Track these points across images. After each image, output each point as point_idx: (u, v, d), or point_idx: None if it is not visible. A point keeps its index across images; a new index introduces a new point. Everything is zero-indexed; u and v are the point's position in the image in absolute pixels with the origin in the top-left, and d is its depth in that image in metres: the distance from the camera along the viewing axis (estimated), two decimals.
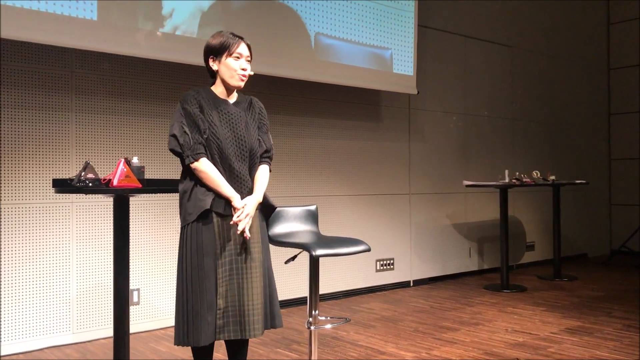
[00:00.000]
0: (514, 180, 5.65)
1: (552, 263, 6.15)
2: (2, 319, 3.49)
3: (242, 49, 2.47)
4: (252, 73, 2.53)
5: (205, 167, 2.36)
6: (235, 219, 2.35)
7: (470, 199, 6.27)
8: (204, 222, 2.37)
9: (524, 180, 5.75)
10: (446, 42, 6.07)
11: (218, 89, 2.50)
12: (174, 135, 2.37)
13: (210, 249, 2.36)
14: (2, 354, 3.47)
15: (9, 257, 3.52)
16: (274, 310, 2.51)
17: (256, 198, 2.45)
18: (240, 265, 2.38)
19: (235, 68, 2.45)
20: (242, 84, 2.49)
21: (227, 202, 2.38)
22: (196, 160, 2.35)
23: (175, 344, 2.39)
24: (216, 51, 2.46)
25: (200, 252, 2.35)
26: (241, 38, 2.49)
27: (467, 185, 5.56)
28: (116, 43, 3.65)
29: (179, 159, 2.43)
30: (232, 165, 2.41)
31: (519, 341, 3.71)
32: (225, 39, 2.46)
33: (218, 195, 2.37)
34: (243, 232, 2.36)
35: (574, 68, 7.56)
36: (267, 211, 2.59)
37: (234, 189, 2.40)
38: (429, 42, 5.82)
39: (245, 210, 2.37)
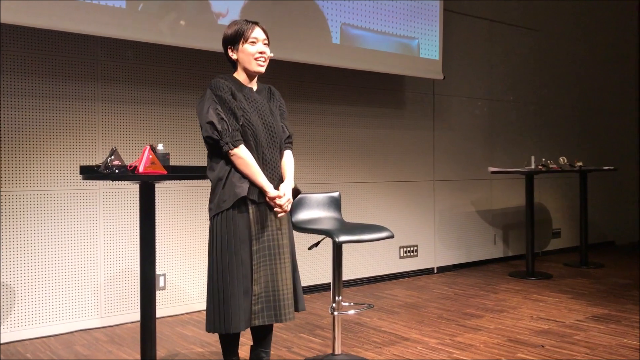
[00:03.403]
0: (540, 167, 5.58)
1: (579, 250, 6.07)
2: (34, 304, 3.58)
3: (257, 33, 2.47)
4: (271, 55, 2.52)
5: (243, 154, 2.36)
6: (278, 202, 2.38)
7: (495, 185, 6.21)
8: (239, 210, 2.38)
9: (551, 166, 5.67)
10: (472, 27, 5.99)
11: (241, 77, 2.51)
12: (210, 122, 2.34)
13: (245, 236, 2.38)
14: (33, 336, 3.56)
15: (38, 244, 3.60)
16: (297, 294, 2.54)
17: (290, 184, 2.48)
18: (274, 251, 2.41)
19: (252, 52, 2.44)
20: (262, 68, 2.49)
21: (261, 189, 2.40)
22: (235, 147, 2.35)
23: (208, 331, 2.40)
24: (232, 40, 2.47)
25: (236, 239, 2.36)
26: (255, 23, 2.49)
27: (493, 172, 5.50)
28: (143, 31, 3.68)
29: (206, 146, 2.43)
30: (264, 152, 2.43)
31: (544, 328, 3.68)
32: (239, 27, 2.46)
33: (252, 183, 2.39)
34: (276, 215, 2.42)
35: (602, 52, 7.40)
36: (293, 195, 2.61)
37: (267, 175, 2.42)
38: (454, 26, 5.74)
39: (287, 196, 2.41)
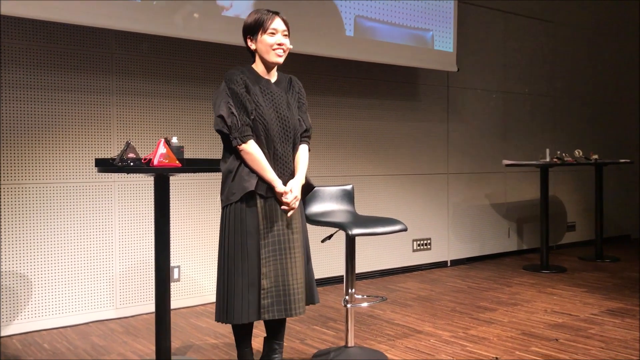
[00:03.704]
0: (555, 160, 5.53)
1: (594, 244, 6.03)
2: (51, 295, 3.62)
3: (277, 23, 2.43)
4: (290, 47, 2.48)
5: (252, 149, 2.36)
6: (284, 199, 2.37)
7: (509, 178, 6.17)
8: (247, 203, 2.39)
9: (566, 159, 5.63)
10: (486, 18, 5.94)
11: (259, 68, 2.48)
12: (221, 116, 2.35)
13: (253, 230, 2.38)
14: (51, 327, 3.61)
15: (55, 236, 3.64)
16: (311, 287, 2.55)
17: (299, 180, 2.46)
18: (284, 245, 2.41)
19: (271, 43, 2.42)
20: (280, 59, 2.46)
21: (270, 184, 2.40)
22: (244, 142, 2.35)
23: (215, 320, 2.44)
24: (252, 30, 2.45)
25: (243, 232, 2.38)
26: (276, 13, 2.46)
27: (507, 165, 5.47)
28: (157, 24, 3.69)
29: (220, 138, 2.45)
30: (276, 147, 2.42)
31: (559, 322, 3.66)
32: (258, 16, 2.44)
33: (261, 178, 2.39)
34: (287, 212, 2.41)
35: (616, 44, 7.30)
36: (305, 190, 2.61)
37: (277, 170, 2.41)
38: (468, 18, 5.70)
39: (294, 193, 2.39)
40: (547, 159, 5.49)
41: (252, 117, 2.37)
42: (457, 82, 5.71)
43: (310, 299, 2.54)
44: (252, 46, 2.47)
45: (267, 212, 2.40)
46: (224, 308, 2.39)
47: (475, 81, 5.87)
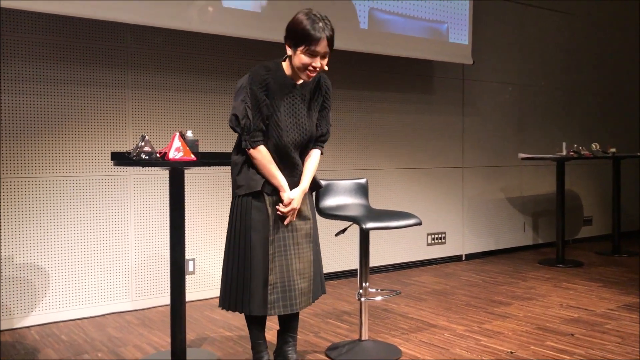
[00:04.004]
0: (571, 153, 5.48)
1: (611, 238, 5.97)
2: (68, 287, 3.66)
3: (321, 46, 2.31)
4: (326, 69, 2.39)
5: (260, 155, 2.36)
6: (281, 210, 2.38)
7: (525, 172, 6.13)
8: (255, 198, 2.40)
9: (583, 152, 5.57)
10: (502, 10, 5.88)
11: (287, 70, 2.42)
12: (235, 115, 2.35)
13: (260, 225, 2.39)
14: (68, 318, 3.65)
15: (71, 229, 3.67)
16: (321, 279, 2.58)
17: (303, 189, 2.45)
18: (290, 241, 2.42)
19: (306, 63, 2.32)
20: (309, 80, 2.41)
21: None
22: (253, 148, 2.35)
23: (218, 306, 2.49)
24: (293, 38, 2.34)
25: (248, 226, 2.39)
26: (324, 30, 2.31)
27: (523, 158, 5.43)
28: (172, 18, 3.70)
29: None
30: (288, 153, 2.41)
31: (574, 317, 3.64)
32: (307, 30, 2.30)
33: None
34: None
35: (634, 37, 7.20)
36: (312, 189, 2.60)
37: (287, 173, 2.42)
38: (484, 9, 5.65)
39: (292, 205, 2.39)
40: (564, 153, 5.44)
41: (267, 122, 2.36)
42: (473, 74, 5.67)
43: (322, 291, 2.57)
44: (289, 51, 2.37)
45: (275, 209, 2.41)
46: (226, 296, 2.44)
47: (490, 74, 5.82)
